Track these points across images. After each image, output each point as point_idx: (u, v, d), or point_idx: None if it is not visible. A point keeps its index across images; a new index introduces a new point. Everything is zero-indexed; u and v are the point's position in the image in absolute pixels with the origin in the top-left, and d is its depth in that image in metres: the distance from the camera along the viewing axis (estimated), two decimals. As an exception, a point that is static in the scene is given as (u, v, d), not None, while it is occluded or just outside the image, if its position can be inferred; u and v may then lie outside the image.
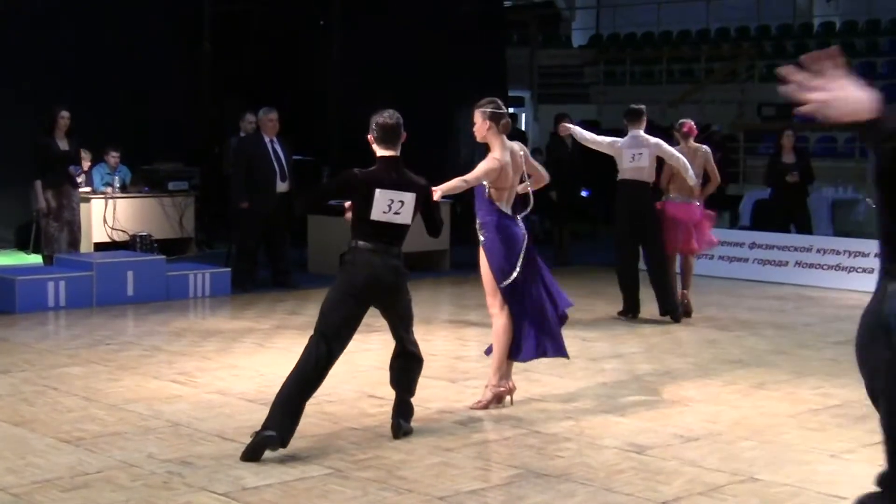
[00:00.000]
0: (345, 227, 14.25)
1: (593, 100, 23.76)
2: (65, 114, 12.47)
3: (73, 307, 10.80)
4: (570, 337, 9.68)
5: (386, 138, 6.23)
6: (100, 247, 14.12)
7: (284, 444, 5.79)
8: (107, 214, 14.52)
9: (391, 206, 6.12)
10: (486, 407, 7.00)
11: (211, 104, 16.84)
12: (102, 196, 14.47)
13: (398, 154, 6.27)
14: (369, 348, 9.05)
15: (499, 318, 7.05)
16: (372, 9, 17.76)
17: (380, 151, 6.24)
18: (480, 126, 7.16)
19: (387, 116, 6.25)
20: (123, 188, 14.90)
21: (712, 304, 11.92)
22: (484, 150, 7.18)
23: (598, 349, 9.29)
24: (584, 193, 16.50)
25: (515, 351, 7.08)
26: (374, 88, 17.70)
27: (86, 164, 14.33)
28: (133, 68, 16.04)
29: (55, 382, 7.60)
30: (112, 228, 14.56)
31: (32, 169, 12.55)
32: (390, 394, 7.39)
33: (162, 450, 6.01)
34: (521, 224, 7.27)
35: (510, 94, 22.05)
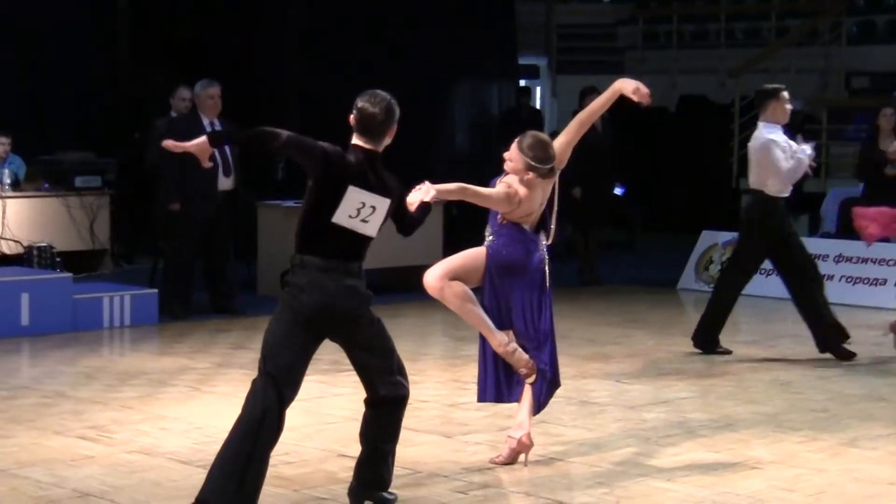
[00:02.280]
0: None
1: (628, 69, 23.71)
2: None
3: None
4: (600, 377, 9.76)
5: (366, 129, 6.19)
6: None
7: None
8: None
9: (360, 210, 6.08)
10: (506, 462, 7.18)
11: (130, 77, 16.87)
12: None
13: (379, 151, 6.24)
14: (339, 393, 9.06)
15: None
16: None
17: (357, 141, 6.22)
18: (519, 169, 7.30)
19: (372, 102, 6.21)
20: (16, 185, 14.90)
21: (785, 334, 11.94)
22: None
23: (637, 394, 9.31)
24: (617, 191, 16.53)
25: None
26: (344, 57, 17.77)
27: (2, 150, 14.44)
28: (28, 31, 16.07)
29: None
30: (0, 238, 14.57)
31: None
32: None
33: None
34: (542, 248, 7.63)
35: (521, 61, 22.13)
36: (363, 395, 9.04)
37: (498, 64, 20.81)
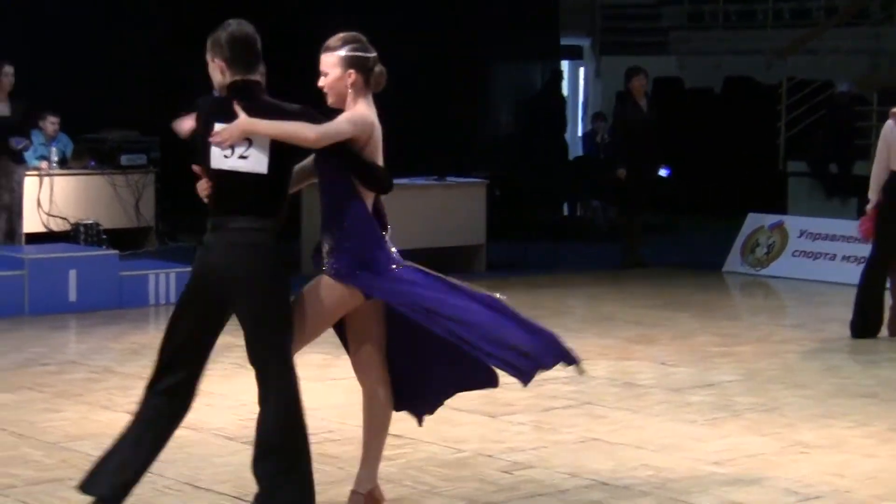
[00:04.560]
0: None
1: (673, 49, 23.69)
2: (8, 69, 12.69)
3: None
4: (644, 359, 9.73)
5: (238, 56, 5.51)
6: (33, 238, 14.19)
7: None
8: (41, 196, 14.62)
9: (234, 147, 5.40)
10: None
11: (176, 55, 16.90)
12: (36, 173, 14.56)
13: (255, 78, 5.57)
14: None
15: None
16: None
17: (229, 76, 5.52)
18: (337, 79, 5.74)
19: (238, 26, 5.57)
20: (63, 163, 14.99)
21: (834, 318, 11.85)
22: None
23: (682, 376, 9.28)
24: (662, 173, 16.45)
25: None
26: (381, 40, 17.71)
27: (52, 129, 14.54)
28: (74, 9, 16.11)
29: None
30: (48, 215, 14.66)
31: None
32: (411, 430, 7.42)
33: (117, 502, 6.04)
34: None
35: (564, 42, 22.05)
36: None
37: (540, 44, 20.75)
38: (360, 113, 5.69)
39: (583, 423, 7.56)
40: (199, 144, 5.52)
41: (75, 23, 16.11)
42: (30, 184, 14.44)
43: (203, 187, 5.50)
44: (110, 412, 7.80)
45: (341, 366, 9.22)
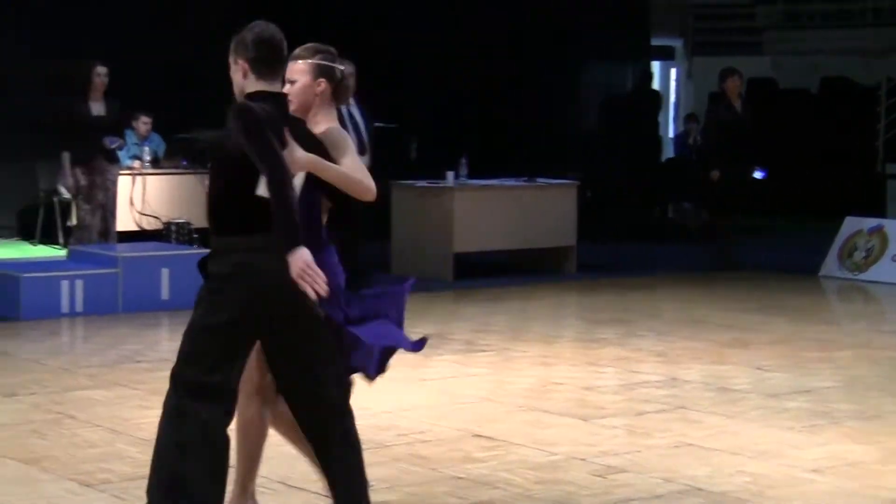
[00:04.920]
0: (435, 216, 14.26)
1: (767, 49, 23.49)
2: (101, 70, 12.85)
3: (92, 313, 10.99)
4: (739, 364, 9.63)
5: (264, 58, 5.14)
6: (125, 237, 14.35)
7: None
8: (134, 195, 14.77)
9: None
10: None
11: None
12: (129, 172, 14.73)
13: (283, 91, 5.32)
14: (473, 373, 9.09)
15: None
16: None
17: (252, 80, 5.15)
18: (306, 86, 5.57)
19: (267, 29, 5.19)
20: (155, 162, 15.14)
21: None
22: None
23: (779, 381, 9.15)
24: (757, 175, 16.27)
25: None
26: (470, 39, 17.73)
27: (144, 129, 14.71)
28: (168, 12, 16.25)
29: (72, 409, 7.73)
30: (140, 214, 14.81)
31: (58, 139, 12.86)
32: (503, 432, 7.43)
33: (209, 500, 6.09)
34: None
35: (655, 42, 21.93)
36: (497, 375, 9.11)
37: (630, 45, 20.65)
38: (350, 144, 5.58)
39: (677, 428, 7.50)
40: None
41: (167, 23, 16.25)
42: (123, 183, 14.59)
43: None
44: (203, 410, 7.84)
45: (432, 366, 9.30)
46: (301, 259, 4.79)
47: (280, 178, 4.88)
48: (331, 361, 5.17)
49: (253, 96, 5.07)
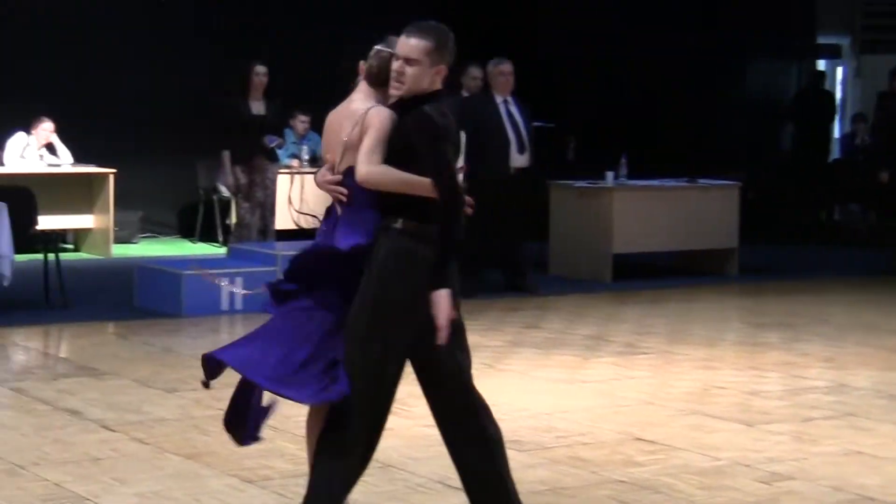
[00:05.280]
0: (593, 217, 14.14)
1: (938, 48, 22.93)
2: (261, 69, 13.05)
3: (252, 311, 11.09)
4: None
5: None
6: (283, 235, 14.49)
7: None
8: (292, 194, 14.88)
9: None
10: None
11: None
12: (287, 171, 14.88)
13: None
14: (633, 376, 9.03)
15: None
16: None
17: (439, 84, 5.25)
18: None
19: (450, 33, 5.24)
20: (313, 161, 15.27)
21: None
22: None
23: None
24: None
25: None
26: (631, 38, 17.62)
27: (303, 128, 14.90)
28: (326, 11, 16.39)
29: (233, 406, 7.83)
30: (298, 212, 14.88)
31: (219, 137, 13.06)
32: (665, 436, 7.35)
33: (370, 498, 6.12)
34: None
35: (822, 40, 21.57)
36: (658, 377, 9.02)
37: (796, 43, 20.35)
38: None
39: (846, 436, 7.34)
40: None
41: (323, 22, 16.39)
42: (282, 182, 14.73)
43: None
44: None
45: (592, 368, 9.25)
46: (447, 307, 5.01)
47: (446, 184, 5.03)
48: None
49: (438, 95, 5.15)
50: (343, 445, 5.18)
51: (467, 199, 5.22)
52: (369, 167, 5.13)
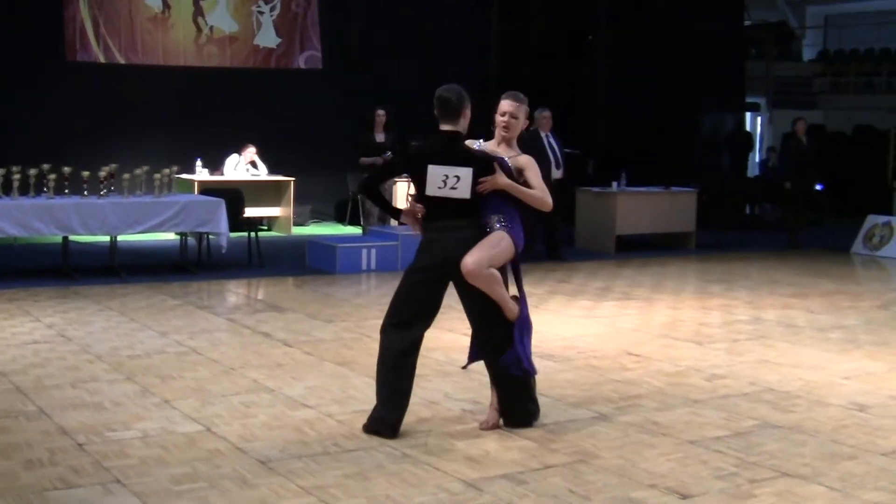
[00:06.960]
0: (604, 210, 13.79)
1: (820, 106, 22.42)
2: (381, 112, 12.79)
3: (382, 270, 10.98)
4: (799, 309, 9.03)
5: (444, 113, 4.94)
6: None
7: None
8: (410, 192, 14.68)
9: (446, 181, 4.86)
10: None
11: (495, 106, 16.78)
12: (401, 179, 14.60)
13: (459, 130, 4.97)
14: (628, 313, 8.75)
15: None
16: (630, 26, 17.41)
17: (441, 126, 4.98)
18: (518, 123, 5.22)
19: (447, 90, 4.94)
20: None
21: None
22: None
23: (824, 320, 8.57)
24: (818, 187, 15.49)
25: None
26: (630, 93, 17.33)
27: None
28: (430, 68, 16.07)
29: (369, 331, 7.65)
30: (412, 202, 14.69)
31: (355, 157, 12.88)
32: (649, 352, 7.08)
33: (456, 391, 5.95)
34: None
35: (748, 100, 21.15)
36: (644, 314, 8.71)
37: (732, 101, 19.91)
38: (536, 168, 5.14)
39: (759, 350, 7.04)
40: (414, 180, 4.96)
41: (431, 78, 16.10)
42: (402, 184, 14.31)
43: (416, 210, 4.94)
44: (452, 334, 7.58)
45: (601, 308, 8.96)
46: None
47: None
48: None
49: (435, 132, 4.97)
50: None
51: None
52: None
